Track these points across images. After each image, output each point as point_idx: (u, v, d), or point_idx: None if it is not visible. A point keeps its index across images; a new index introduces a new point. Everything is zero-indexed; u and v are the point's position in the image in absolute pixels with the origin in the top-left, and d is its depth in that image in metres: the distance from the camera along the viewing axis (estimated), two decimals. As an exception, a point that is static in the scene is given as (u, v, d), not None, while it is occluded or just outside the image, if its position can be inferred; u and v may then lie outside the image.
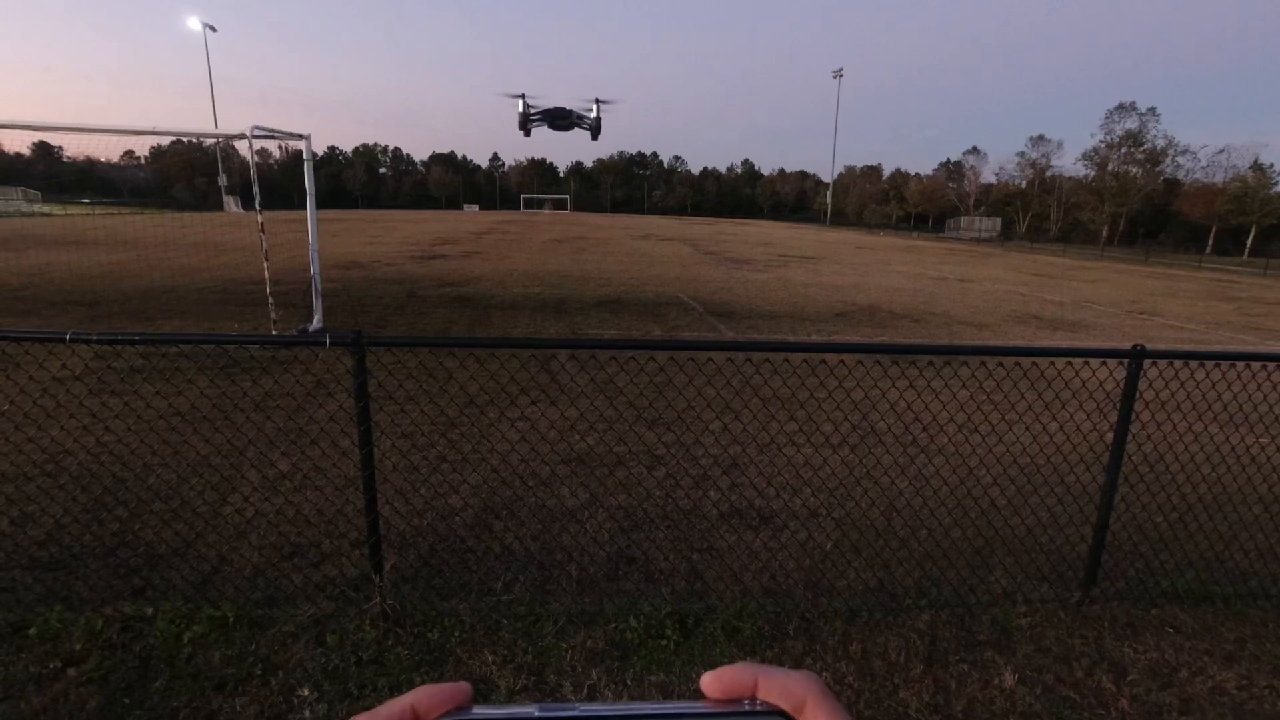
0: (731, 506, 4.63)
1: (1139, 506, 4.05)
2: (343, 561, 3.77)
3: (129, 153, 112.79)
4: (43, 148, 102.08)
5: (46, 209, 57.89)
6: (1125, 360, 3.39)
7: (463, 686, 0.36)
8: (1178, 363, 3.52)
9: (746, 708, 0.36)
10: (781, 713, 0.36)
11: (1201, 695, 3.02)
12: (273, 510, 4.23)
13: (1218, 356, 3.62)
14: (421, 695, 0.36)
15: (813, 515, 4.52)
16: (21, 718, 2.63)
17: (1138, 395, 3.42)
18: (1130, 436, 3.51)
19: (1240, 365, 3.72)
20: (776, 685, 0.36)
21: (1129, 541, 4.06)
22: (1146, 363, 3.38)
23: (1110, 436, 3.57)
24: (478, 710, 0.35)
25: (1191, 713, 2.92)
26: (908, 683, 3.04)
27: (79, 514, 4.12)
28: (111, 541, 3.90)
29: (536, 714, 0.35)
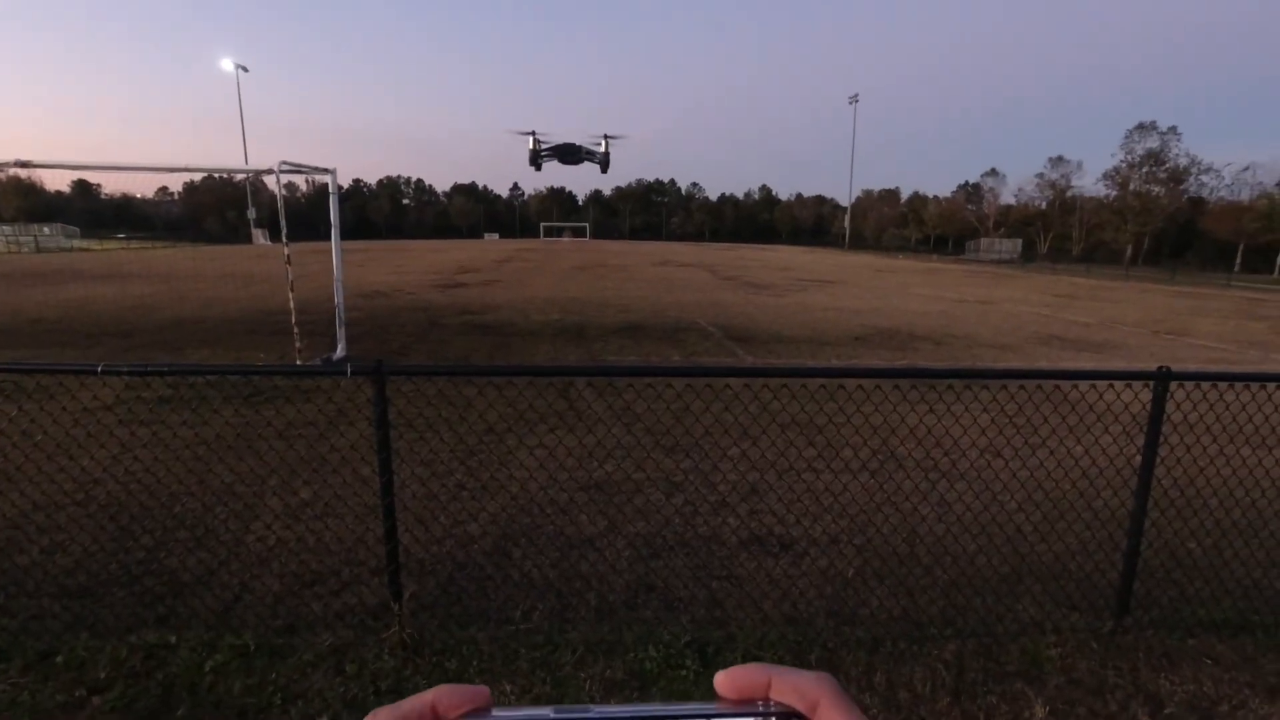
0: (751, 533, 4.59)
1: (1170, 532, 3.94)
2: (362, 590, 3.79)
3: (163, 188, 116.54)
4: (81, 186, 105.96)
5: (84, 244, 59.84)
6: (1151, 382, 3.33)
7: (482, 690, 0.36)
8: (1206, 384, 3.45)
9: (760, 709, 0.36)
10: (796, 714, 0.35)
11: (1243, 730, 2.90)
12: (294, 538, 4.27)
13: (1245, 378, 3.55)
14: (443, 694, 0.36)
15: (833, 542, 4.46)
16: (47, 746, 2.66)
17: (1165, 418, 3.35)
18: (1159, 460, 3.43)
19: (1271, 386, 3.63)
20: (790, 686, 0.36)
21: (1161, 568, 3.95)
22: (1174, 384, 3.32)
23: (1138, 460, 3.49)
24: (496, 713, 0.36)
25: (1233, 749, 2.80)
26: (934, 715, 2.96)
27: (106, 542, 4.20)
28: (137, 569, 3.95)
29: (552, 716, 0.35)
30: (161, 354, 10.88)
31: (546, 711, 0.35)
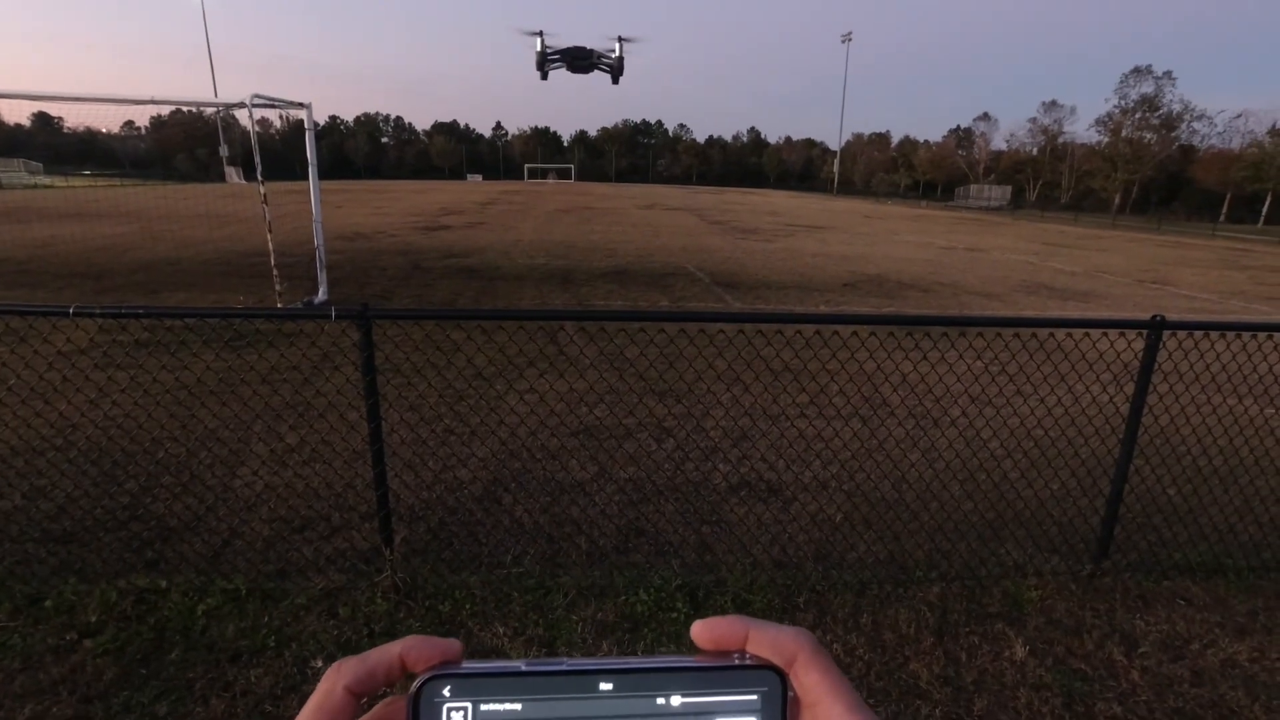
0: (741, 478, 4.62)
1: (1152, 479, 4.01)
2: (353, 534, 3.78)
3: (129, 123, 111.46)
4: (42, 119, 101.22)
5: (49, 180, 57.64)
6: (1144, 331, 3.32)
7: (454, 643, 0.36)
8: (1197, 333, 3.45)
9: (736, 661, 0.36)
10: (772, 667, 0.35)
11: (1213, 668, 3.01)
12: (282, 483, 4.23)
13: (1237, 327, 3.56)
14: (412, 645, 0.35)
15: (822, 487, 4.50)
16: (41, 688, 2.66)
17: (1155, 366, 3.36)
18: (1146, 409, 3.46)
19: (1261, 336, 3.65)
20: (768, 640, 0.36)
21: (1141, 514, 4.04)
22: (1165, 333, 3.32)
23: (1125, 408, 3.52)
24: (467, 665, 0.35)
25: (1203, 685, 2.91)
26: (918, 654, 3.04)
27: (89, 487, 4.13)
28: (123, 515, 3.91)
29: (524, 668, 0.35)
30: (136, 296, 10.61)
31: (519, 664, 0.35)
